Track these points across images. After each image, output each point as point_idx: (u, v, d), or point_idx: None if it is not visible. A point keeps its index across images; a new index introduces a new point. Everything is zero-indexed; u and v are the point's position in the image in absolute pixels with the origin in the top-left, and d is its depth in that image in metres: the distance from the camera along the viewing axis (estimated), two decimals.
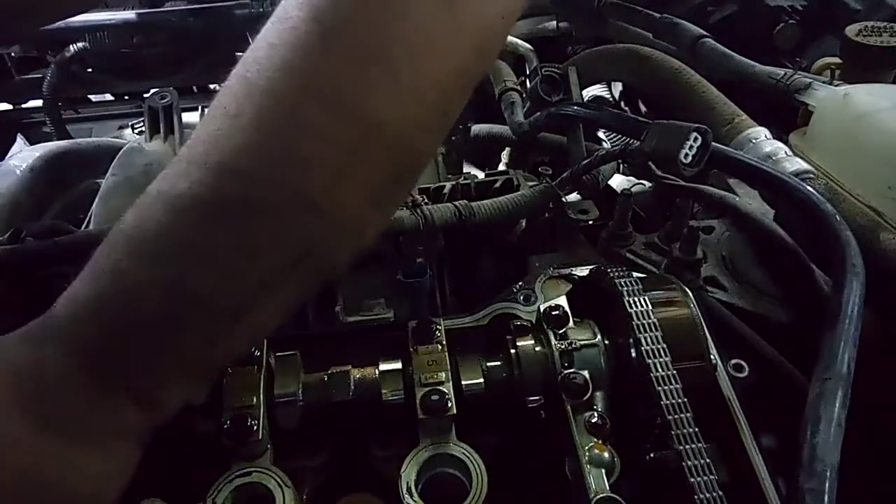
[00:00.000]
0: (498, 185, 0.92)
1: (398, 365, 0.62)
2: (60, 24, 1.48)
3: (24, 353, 0.46)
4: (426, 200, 0.83)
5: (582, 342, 0.62)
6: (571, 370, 0.60)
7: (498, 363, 0.63)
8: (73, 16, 1.31)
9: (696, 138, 0.72)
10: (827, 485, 0.52)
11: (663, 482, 0.57)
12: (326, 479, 0.64)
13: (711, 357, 0.62)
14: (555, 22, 1.54)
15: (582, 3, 1.38)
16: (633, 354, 0.60)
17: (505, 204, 0.84)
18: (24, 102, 1.80)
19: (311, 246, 0.48)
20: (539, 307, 0.65)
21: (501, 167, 1.33)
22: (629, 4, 1.32)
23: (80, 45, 1.56)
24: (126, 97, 1.86)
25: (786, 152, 0.89)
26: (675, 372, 0.57)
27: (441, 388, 0.59)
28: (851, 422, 0.56)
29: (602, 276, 0.66)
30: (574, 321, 0.63)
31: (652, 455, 0.60)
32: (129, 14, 1.59)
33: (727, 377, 0.65)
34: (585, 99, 1.28)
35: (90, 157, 1.23)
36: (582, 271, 0.69)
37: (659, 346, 0.58)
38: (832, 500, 0.51)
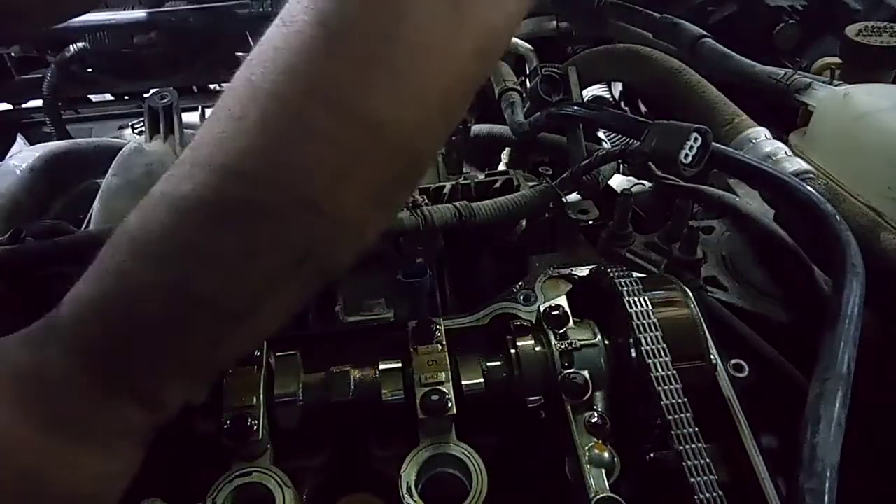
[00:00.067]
0: (498, 185, 0.92)
1: (398, 365, 0.62)
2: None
3: (25, 355, 0.46)
4: (426, 201, 0.83)
5: (582, 342, 0.62)
6: (571, 370, 0.60)
7: (498, 363, 0.63)
8: (74, 17, 1.31)
9: (696, 138, 0.72)
10: (827, 485, 0.52)
11: (663, 482, 0.57)
12: (326, 479, 0.64)
13: (711, 357, 0.62)
14: (555, 22, 1.53)
15: (582, 3, 1.38)
16: (633, 354, 0.60)
17: (505, 204, 0.84)
18: (24, 102, 1.80)
19: (312, 247, 0.48)
20: (539, 307, 0.65)
21: (501, 167, 1.33)
22: (629, 4, 1.32)
23: (80, 45, 1.56)
24: (126, 97, 1.86)
25: (786, 152, 0.89)
26: (675, 372, 0.57)
27: (441, 388, 0.59)
28: (851, 422, 0.56)
29: (602, 276, 0.66)
30: (574, 321, 0.64)
31: (652, 455, 0.60)
32: (129, 14, 1.59)
33: (727, 377, 0.65)
34: (585, 99, 1.27)
35: (90, 157, 1.23)
36: (582, 271, 0.69)
37: (659, 346, 0.58)
38: (832, 500, 0.51)
